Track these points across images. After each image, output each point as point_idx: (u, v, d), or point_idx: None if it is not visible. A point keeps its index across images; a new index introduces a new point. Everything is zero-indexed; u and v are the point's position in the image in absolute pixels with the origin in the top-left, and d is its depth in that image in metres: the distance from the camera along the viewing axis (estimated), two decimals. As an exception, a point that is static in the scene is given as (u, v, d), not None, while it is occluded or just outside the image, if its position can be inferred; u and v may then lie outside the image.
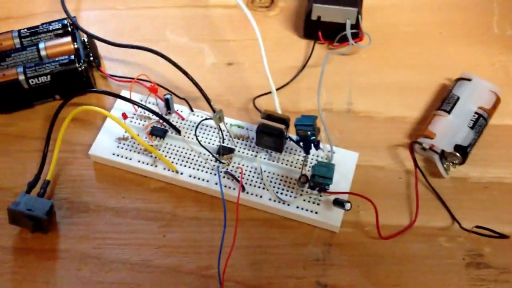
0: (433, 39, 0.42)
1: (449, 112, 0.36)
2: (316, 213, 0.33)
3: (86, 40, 0.39)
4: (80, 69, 0.37)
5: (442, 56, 0.41)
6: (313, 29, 0.41)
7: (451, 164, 0.35)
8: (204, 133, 0.36)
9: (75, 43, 0.38)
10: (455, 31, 0.43)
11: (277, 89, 0.38)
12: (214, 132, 0.36)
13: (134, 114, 0.37)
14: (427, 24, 0.43)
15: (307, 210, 0.33)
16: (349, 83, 0.40)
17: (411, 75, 0.40)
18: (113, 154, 0.36)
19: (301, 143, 0.33)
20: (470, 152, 0.35)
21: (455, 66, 0.40)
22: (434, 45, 0.42)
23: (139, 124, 0.37)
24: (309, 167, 0.34)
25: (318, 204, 0.33)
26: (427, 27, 0.43)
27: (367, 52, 0.41)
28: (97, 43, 0.40)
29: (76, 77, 0.37)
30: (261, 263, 0.32)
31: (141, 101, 0.38)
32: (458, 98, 0.36)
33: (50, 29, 0.39)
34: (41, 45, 0.38)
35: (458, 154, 0.34)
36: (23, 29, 0.39)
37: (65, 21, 0.39)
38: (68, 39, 0.38)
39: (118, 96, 0.37)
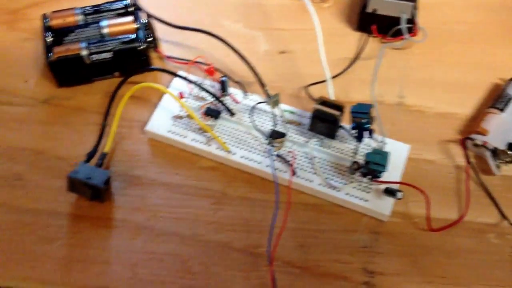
0: (487, 38, 0.42)
1: (502, 110, 0.36)
2: (366, 200, 0.33)
3: (146, 21, 0.40)
4: (140, 48, 0.38)
5: (495, 56, 0.41)
6: (368, 22, 0.41)
7: (503, 162, 0.35)
8: (256, 117, 0.37)
9: (136, 23, 0.39)
10: (510, 31, 0.43)
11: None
12: (266, 116, 0.37)
13: (190, 94, 0.38)
14: (481, 24, 0.43)
15: (356, 197, 0.34)
16: (401, 77, 0.40)
17: (463, 73, 0.40)
18: (168, 132, 0.37)
19: (354, 131, 0.34)
20: (523, 150, 0.35)
21: (509, 66, 0.40)
22: (488, 44, 0.42)
23: (193, 104, 0.38)
24: (360, 156, 0.35)
25: (368, 192, 0.34)
26: (482, 26, 0.43)
27: (420, 48, 0.41)
28: (155, 25, 0.41)
29: (136, 55, 0.38)
30: (309, 246, 0.33)
31: (197, 82, 0.39)
32: (511, 97, 0.36)
33: (113, 8, 0.40)
34: (104, 23, 0.39)
35: (510, 152, 0.34)
36: (87, 6, 0.40)
37: (127, 2, 0.41)
38: (130, 18, 0.40)
39: (178, 75, 0.38)
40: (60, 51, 0.38)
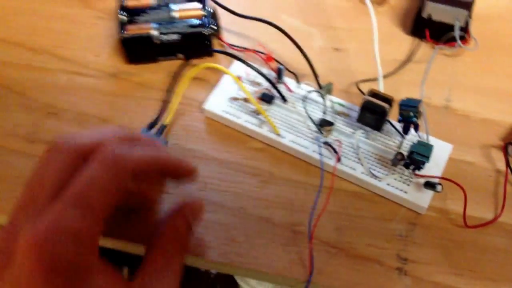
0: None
1: (547, 120, 0.37)
2: (405, 192, 0.35)
3: (211, 9, 0.43)
4: (205, 33, 0.41)
5: (545, 70, 0.42)
6: (421, 27, 0.43)
7: (543, 169, 0.36)
8: (308, 105, 0.39)
9: (203, 10, 0.42)
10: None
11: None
12: (316, 105, 0.39)
13: (247, 79, 0.41)
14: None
15: (397, 188, 0.35)
16: (450, 82, 0.42)
17: (511, 84, 0.42)
18: (223, 111, 0.39)
19: (401, 124, 0.36)
20: None
21: (558, 81, 0.41)
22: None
23: (249, 89, 0.40)
24: (403, 150, 0.36)
25: (408, 184, 0.35)
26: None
27: (471, 56, 0.43)
28: (219, 14, 0.44)
29: (201, 40, 0.41)
30: (346, 229, 0.35)
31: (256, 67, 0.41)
32: (558, 109, 0.38)
33: (183, -6, 0.43)
34: (174, 7, 0.42)
35: (551, 161, 0.35)
36: (159, -7, 0.44)
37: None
38: (198, 5, 0.43)
39: (239, 59, 0.40)
40: (132, 29, 0.41)
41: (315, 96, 0.39)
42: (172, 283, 0.27)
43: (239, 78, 0.40)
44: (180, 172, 0.30)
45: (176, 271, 0.28)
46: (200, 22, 0.41)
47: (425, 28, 0.43)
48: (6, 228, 0.25)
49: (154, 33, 0.41)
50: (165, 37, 0.41)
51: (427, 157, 0.34)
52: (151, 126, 0.38)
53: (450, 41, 0.42)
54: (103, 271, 0.25)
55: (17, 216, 0.25)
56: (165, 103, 0.40)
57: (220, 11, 0.44)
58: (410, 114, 0.34)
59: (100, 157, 0.26)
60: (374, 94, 0.36)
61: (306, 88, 0.40)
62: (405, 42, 0.44)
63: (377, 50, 0.39)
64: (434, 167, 0.36)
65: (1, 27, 0.46)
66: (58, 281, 0.23)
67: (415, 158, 0.34)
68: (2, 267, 0.24)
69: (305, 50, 0.41)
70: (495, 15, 0.46)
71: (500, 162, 0.37)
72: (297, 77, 0.41)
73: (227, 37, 0.45)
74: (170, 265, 0.28)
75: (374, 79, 0.40)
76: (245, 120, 0.39)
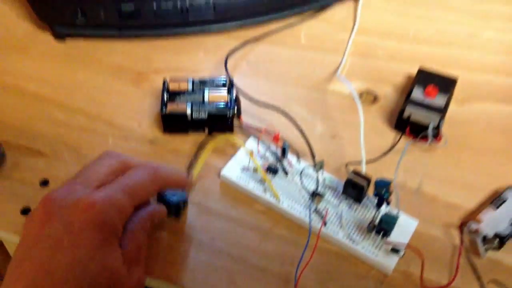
0: (498, 152, 0.53)
1: (496, 208, 0.46)
2: (376, 255, 0.44)
3: (235, 95, 0.54)
4: (228, 115, 0.52)
5: (502, 167, 0.51)
6: (403, 124, 0.53)
7: (489, 247, 0.44)
8: (304, 178, 0.49)
9: (228, 95, 0.53)
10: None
11: (366, 163, 0.50)
12: (311, 179, 0.49)
13: (257, 153, 0.51)
14: (497, 143, 0.54)
15: (370, 251, 0.44)
16: (423, 170, 0.51)
17: (473, 176, 0.51)
18: (237, 178, 0.49)
19: (375, 198, 0.45)
20: (506, 241, 0.44)
21: (509, 177, 0.50)
22: (498, 157, 0.52)
23: (259, 161, 0.50)
24: (377, 220, 0.45)
25: (379, 249, 0.44)
26: (497, 145, 0.53)
27: (442, 151, 0.52)
28: (241, 99, 0.55)
29: (224, 119, 0.52)
30: (327, 281, 0.43)
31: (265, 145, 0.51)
32: (505, 200, 0.46)
33: (214, 82, 0.54)
34: (206, 92, 0.53)
35: (496, 241, 0.44)
36: (196, 79, 0.55)
37: (225, 80, 0.55)
38: (224, 91, 0.53)
39: (253, 136, 0.50)
40: (172, 107, 0.52)
41: (310, 171, 0.49)
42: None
43: (251, 152, 0.50)
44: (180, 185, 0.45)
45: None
46: (225, 105, 0.52)
47: (406, 125, 0.53)
48: (64, 189, 0.38)
49: (188, 112, 0.51)
50: (195, 115, 0.51)
51: (392, 226, 0.42)
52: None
53: (425, 137, 0.52)
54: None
55: (74, 186, 0.39)
56: (191, 167, 0.50)
57: (242, 95, 0.54)
58: (383, 191, 0.44)
59: (146, 166, 0.42)
60: (356, 173, 0.46)
61: (304, 164, 0.50)
62: (389, 134, 0.54)
63: (363, 140, 0.49)
64: (401, 236, 0.45)
65: (67, 95, 0.57)
66: (105, 232, 0.37)
67: (383, 227, 0.42)
68: (63, 218, 0.37)
69: (307, 134, 0.51)
70: (466, 120, 0.56)
71: (457, 239, 0.46)
72: (298, 155, 0.51)
73: (246, 117, 0.55)
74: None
75: (359, 162, 0.49)
76: (253, 187, 0.48)
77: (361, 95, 0.58)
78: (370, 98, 0.58)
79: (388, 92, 0.58)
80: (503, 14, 0.67)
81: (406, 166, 0.50)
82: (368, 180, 0.45)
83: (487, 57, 0.62)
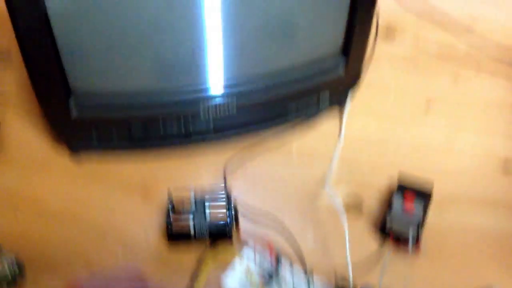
0: (479, 256, 0.58)
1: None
2: None
3: (234, 212, 0.60)
4: (227, 231, 0.57)
5: (482, 270, 0.56)
6: (386, 234, 0.58)
7: None
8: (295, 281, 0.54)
9: (227, 212, 0.59)
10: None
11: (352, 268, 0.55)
12: (302, 283, 0.53)
13: (253, 260, 0.56)
14: (474, 246, 0.59)
15: None
16: (406, 275, 0.56)
17: (454, 279, 0.55)
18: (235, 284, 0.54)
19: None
20: None
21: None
22: (478, 261, 0.57)
23: (253, 268, 0.55)
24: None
25: None
26: (473, 248, 0.58)
27: (424, 256, 0.57)
28: (239, 210, 0.60)
29: (224, 234, 0.57)
30: None
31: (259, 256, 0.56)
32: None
33: (213, 196, 0.60)
34: (207, 210, 0.59)
35: None
36: (198, 194, 0.61)
37: (224, 196, 0.61)
38: (224, 210, 0.59)
39: (247, 248, 0.56)
40: (177, 228, 0.57)
41: (301, 277, 0.54)
42: None
43: (248, 270, 0.55)
44: None
45: None
46: (224, 223, 0.58)
47: (389, 233, 0.58)
48: None
49: (191, 231, 0.57)
50: (198, 233, 0.57)
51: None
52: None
53: (406, 245, 0.57)
54: None
55: None
56: (194, 278, 0.55)
57: (239, 202, 0.60)
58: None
59: None
60: (342, 278, 0.51)
61: (296, 270, 0.55)
62: (374, 242, 0.59)
63: (348, 248, 0.54)
64: None
65: (82, 211, 0.63)
66: None
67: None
68: None
69: (298, 240, 0.56)
70: (444, 224, 0.61)
71: None
72: (291, 263, 0.56)
73: (243, 221, 0.60)
74: None
75: (346, 268, 0.54)
76: (248, 293, 0.53)
77: (347, 206, 0.63)
78: (356, 204, 0.63)
79: (372, 200, 0.64)
80: (478, 121, 0.74)
81: (390, 270, 0.55)
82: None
83: (461, 163, 0.68)
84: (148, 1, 0.56)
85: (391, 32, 0.87)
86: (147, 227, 0.61)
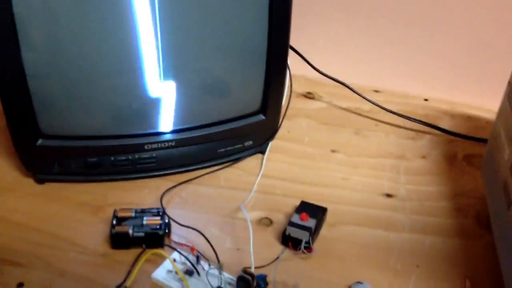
0: (359, 262, 0.74)
1: (344, 295, 0.66)
2: (257, 329, 0.62)
3: (166, 221, 0.75)
4: (160, 234, 0.72)
5: (357, 272, 0.72)
6: (286, 240, 0.74)
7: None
8: (210, 278, 0.68)
9: (161, 221, 0.74)
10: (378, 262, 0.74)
11: (255, 267, 0.70)
12: (216, 278, 0.68)
13: (179, 260, 0.70)
14: (356, 254, 0.75)
15: (253, 326, 0.62)
16: (299, 273, 0.71)
17: (335, 276, 0.71)
18: (163, 279, 0.68)
19: (257, 288, 0.64)
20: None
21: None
22: (356, 265, 0.73)
23: (179, 265, 0.69)
24: (261, 306, 0.64)
25: (259, 325, 0.62)
26: (356, 255, 0.75)
27: (314, 259, 0.73)
28: (173, 223, 0.76)
29: (157, 237, 0.72)
30: None
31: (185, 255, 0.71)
32: (350, 289, 0.67)
33: (151, 211, 0.76)
34: (145, 218, 0.74)
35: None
36: (138, 209, 0.76)
37: (159, 209, 0.76)
38: (158, 219, 0.74)
39: (176, 250, 0.70)
40: (118, 229, 0.72)
41: (215, 272, 0.68)
42: None
43: (174, 260, 0.69)
44: None
45: None
46: (158, 227, 0.73)
47: (288, 240, 0.74)
48: None
49: (130, 232, 0.72)
50: (136, 234, 0.72)
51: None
52: (119, 286, 0.67)
53: (300, 248, 0.73)
54: None
55: None
56: (130, 272, 0.69)
57: (173, 221, 0.75)
58: (261, 283, 0.63)
59: None
60: (246, 271, 0.65)
61: (211, 266, 0.69)
62: (278, 248, 0.75)
63: (252, 251, 0.70)
64: (276, 316, 0.63)
65: (42, 223, 0.77)
66: None
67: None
68: None
69: (219, 248, 0.71)
70: (334, 238, 0.78)
71: (317, 318, 0.65)
72: (209, 261, 0.70)
73: (175, 236, 0.75)
74: None
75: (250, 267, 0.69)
76: (175, 285, 0.67)
77: (260, 220, 0.80)
78: (267, 222, 0.80)
79: (280, 218, 0.80)
80: (369, 164, 0.93)
81: (286, 269, 0.71)
82: (252, 275, 0.65)
83: (353, 194, 0.86)
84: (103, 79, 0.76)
85: (310, 94, 1.08)
86: (96, 235, 0.75)
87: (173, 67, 0.79)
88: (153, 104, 0.80)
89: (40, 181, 0.83)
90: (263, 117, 0.88)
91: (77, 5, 0.71)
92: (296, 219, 0.75)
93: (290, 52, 0.89)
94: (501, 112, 0.78)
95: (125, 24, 0.73)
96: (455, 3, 1.05)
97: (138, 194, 0.84)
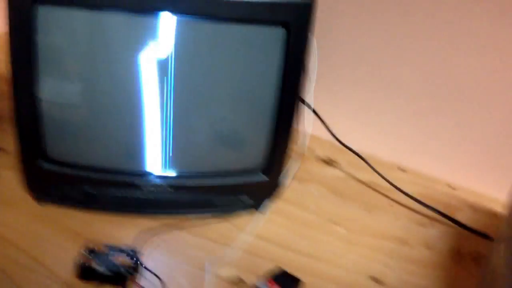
0: None
1: None
2: None
3: (136, 262, 0.75)
4: (124, 274, 0.72)
5: None
6: None
7: None
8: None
9: (131, 261, 0.74)
10: None
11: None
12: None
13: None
14: None
15: None
16: None
17: None
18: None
19: None
20: None
21: None
22: None
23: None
24: None
25: None
26: None
27: None
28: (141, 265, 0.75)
29: (121, 278, 0.72)
30: None
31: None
32: None
33: (124, 250, 0.76)
34: (114, 256, 0.74)
35: None
36: (113, 245, 0.76)
37: (133, 251, 0.76)
38: (128, 258, 0.75)
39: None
40: (84, 260, 0.73)
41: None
42: None
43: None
44: None
45: None
46: (123, 267, 0.73)
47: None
48: None
49: (95, 266, 0.73)
50: (100, 269, 0.72)
51: None
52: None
53: None
54: None
55: None
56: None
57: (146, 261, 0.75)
58: None
59: None
60: None
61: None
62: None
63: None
64: None
65: (31, 246, 0.80)
66: None
67: None
68: None
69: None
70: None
71: None
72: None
73: (143, 277, 0.75)
74: None
75: None
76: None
77: (232, 279, 0.77)
78: (237, 282, 0.77)
79: (253, 280, 0.77)
80: (368, 243, 0.88)
81: None
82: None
83: (339, 272, 0.81)
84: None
85: (330, 160, 1.06)
86: (66, 264, 0.76)
87: (180, 114, 0.80)
88: (155, 147, 0.82)
89: (38, 200, 0.87)
90: (264, 176, 0.87)
91: (97, 52, 0.75)
92: (261, 284, 0.72)
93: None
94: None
95: (137, 77, 0.76)
96: (499, 79, 0.96)
97: (124, 230, 0.85)
